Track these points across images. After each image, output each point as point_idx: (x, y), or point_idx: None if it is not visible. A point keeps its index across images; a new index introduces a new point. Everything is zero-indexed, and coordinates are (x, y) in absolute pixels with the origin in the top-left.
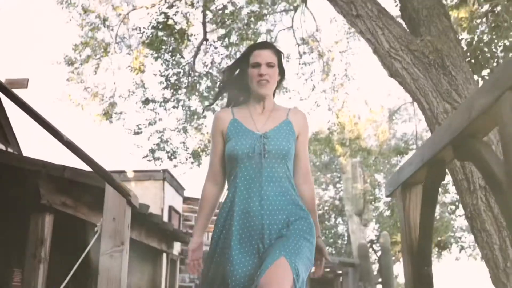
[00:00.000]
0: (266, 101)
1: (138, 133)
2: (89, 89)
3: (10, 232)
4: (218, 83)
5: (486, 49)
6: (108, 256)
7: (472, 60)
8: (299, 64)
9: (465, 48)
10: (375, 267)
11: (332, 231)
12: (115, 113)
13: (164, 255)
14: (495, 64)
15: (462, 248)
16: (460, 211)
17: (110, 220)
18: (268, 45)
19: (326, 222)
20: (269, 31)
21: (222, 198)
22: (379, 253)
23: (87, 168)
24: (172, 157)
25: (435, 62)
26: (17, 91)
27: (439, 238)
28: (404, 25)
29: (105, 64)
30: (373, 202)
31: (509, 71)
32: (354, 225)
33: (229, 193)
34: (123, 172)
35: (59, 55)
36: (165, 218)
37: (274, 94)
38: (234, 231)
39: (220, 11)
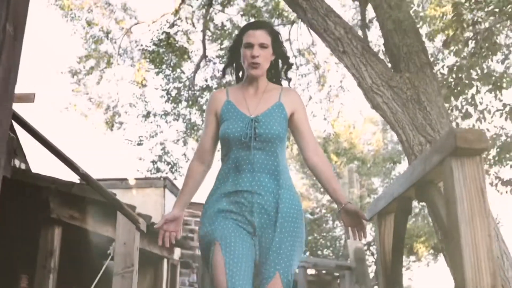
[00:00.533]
0: (259, 82)
1: (139, 144)
2: (93, 99)
3: (20, 243)
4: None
5: (463, 76)
6: (120, 277)
7: (452, 86)
8: (296, 75)
9: (446, 74)
10: (373, 269)
11: (330, 234)
12: (116, 123)
13: (165, 260)
14: (471, 91)
15: None
16: None
17: (122, 244)
18: (262, 25)
19: (324, 225)
20: None
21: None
22: (376, 256)
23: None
24: (173, 169)
25: (412, 98)
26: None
27: (434, 242)
28: (388, 58)
29: (108, 75)
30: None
31: (450, 141)
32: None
33: (221, 173)
34: (125, 179)
35: (65, 66)
36: None
37: (279, 80)
38: (225, 206)
39: (218, 31)
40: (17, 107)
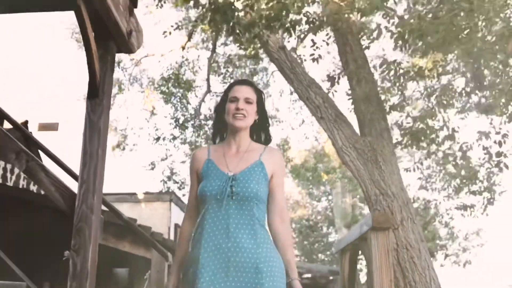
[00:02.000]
0: (241, 140)
1: (152, 169)
2: None
3: (57, 260)
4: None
5: (426, 123)
6: None
7: (416, 133)
8: (290, 100)
9: (411, 122)
10: (365, 271)
11: (324, 240)
12: (127, 144)
13: (166, 266)
14: (433, 135)
15: (446, 255)
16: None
17: (155, 272)
18: (248, 82)
19: (319, 231)
20: (265, 69)
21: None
22: (364, 264)
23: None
24: (181, 187)
25: (371, 158)
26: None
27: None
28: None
29: (119, 100)
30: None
31: (370, 220)
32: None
33: (196, 233)
34: (134, 194)
35: (81, 93)
36: (172, 234)
37: (260, 138)
38: (201, 268)
39: (222, 69)
40: (42, 135)
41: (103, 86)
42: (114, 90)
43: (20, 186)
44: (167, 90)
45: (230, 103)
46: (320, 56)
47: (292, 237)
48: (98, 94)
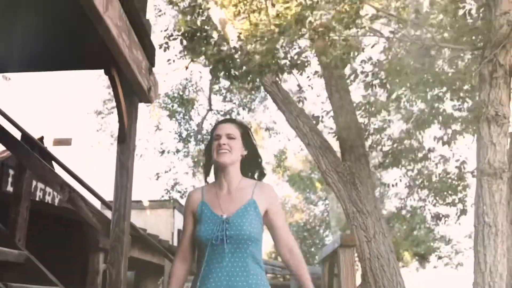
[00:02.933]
0: (231, 177)
1: (157, 179)
2: (114, 136)
3: (72, 266)
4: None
5: (405, 144)
6: None
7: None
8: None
9: (390, 146)
10: (359, 274)
11: (321, 243)
12: (136, 155)
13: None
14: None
15: (439, 257)
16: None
17: (168, 278)
18: (230, 120)
19: (316, 234)
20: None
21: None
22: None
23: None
24: (183, 196)
25: (350, 180)
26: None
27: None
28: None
29: None
30: None
31: (339, 239)
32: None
33: (196, 276)
34: (139, 201)
35: (91, 107)
36: (175, 239)
37: (254, 175)
38: None
39: (223, 93)
40: (57, 149)
41: (130, 133)
42: None
43: (37, 199)
44: (171, 108)
45: (214, 141)
46: (305, 98)
47: (303, 263)
48: (126, 139)
